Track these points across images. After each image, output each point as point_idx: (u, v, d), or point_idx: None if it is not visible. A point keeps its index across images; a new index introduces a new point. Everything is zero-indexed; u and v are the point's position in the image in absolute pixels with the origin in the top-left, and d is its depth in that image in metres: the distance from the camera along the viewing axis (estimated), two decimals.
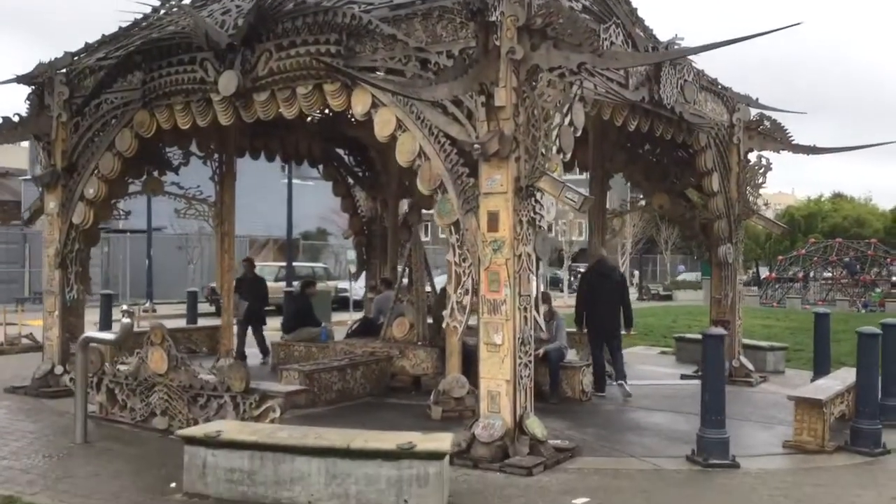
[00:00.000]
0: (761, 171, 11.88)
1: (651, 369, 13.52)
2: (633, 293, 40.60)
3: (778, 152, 12.02)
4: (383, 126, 8.08)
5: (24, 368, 11.62)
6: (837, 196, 59.16)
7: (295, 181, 34.72)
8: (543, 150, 7.34)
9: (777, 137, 11.86)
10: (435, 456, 6.03)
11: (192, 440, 6.59)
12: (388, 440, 6.16)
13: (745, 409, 9.91)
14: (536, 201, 7.55)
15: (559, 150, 7.80)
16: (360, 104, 8.24)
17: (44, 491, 6.58)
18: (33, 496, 6.39)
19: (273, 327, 14.72)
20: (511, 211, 7.33)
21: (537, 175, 7.28)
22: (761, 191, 12.32)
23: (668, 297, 38.58)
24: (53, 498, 6.38)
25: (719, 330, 7.71)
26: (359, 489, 6.04)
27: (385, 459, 6.01)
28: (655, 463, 7.41)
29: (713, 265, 12.06)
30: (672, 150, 11.91)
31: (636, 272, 45.10)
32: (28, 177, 35.98)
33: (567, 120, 7.88)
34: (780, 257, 36.39)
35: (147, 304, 24.48)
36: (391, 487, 5.99)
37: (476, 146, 7.32)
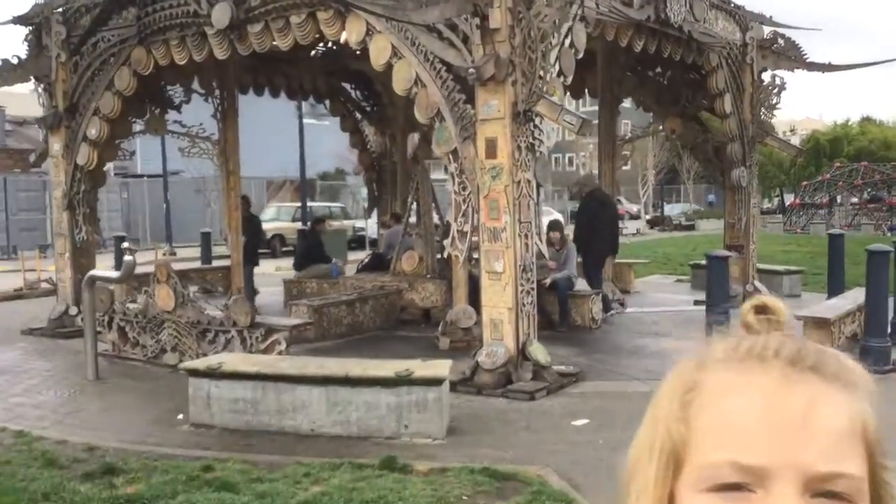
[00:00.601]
0: (775, 91, 11.54)
1: (665, 297, 13.44)
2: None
3: (792, 71, 11.66)
4: (378, 54, 7.91)
5: (43, 311, 11.78)
6: (866, 120, 57.78)
7: (311, 121, 34.52)
8: (541, 73, 7.17)
9: (791, 56, 11.49)
10: (433, 382, 6.05)
11: (195, 372, 6.66)
12: (387, 368, 6.18)
13: None
14: (535, 126, 7.40)
15: (560, 73, 7.63)
16: (354, 32, 8.06)
17: (53, 426, 6.72)
18: (43, 430, 6.52)
19: (287, 266, 14.78)
20: (509, 137, 7.19)
21: (535, 99, 7.12)
22: (786, 115, 12.03)
23: (691, 227, 38.18)
24: (62, 432, 6.50)
25: (723, 252, 7.58)
26: (359, 416, 6.10)
27: (384, 386, 6.04)
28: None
29: (726, 189, 11.84)
30: (683, 71, 11.60)
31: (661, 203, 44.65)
32: None
33: (567, 41, 7.69)
34: (805, 183, 35.74)
35: (167, 248, 24.66)
36: (391, 413, 6.04)
37: (471, 70, 7.15)
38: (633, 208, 41.71)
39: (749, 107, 11.42)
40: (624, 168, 52.67)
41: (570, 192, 46.64)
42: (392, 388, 6.01)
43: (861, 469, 0.65)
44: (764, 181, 44.54)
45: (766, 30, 11.71)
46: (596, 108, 12.95)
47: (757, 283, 11.93)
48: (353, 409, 6.10)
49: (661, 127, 12.75)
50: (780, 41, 11.61)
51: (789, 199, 40.85)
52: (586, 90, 13.16)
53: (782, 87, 11.53)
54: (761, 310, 0.73)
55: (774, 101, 11.61)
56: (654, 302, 12.74)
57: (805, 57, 11.47)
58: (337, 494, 4.78)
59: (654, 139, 35.47)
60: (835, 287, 11.06)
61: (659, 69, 11.97)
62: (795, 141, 39.25)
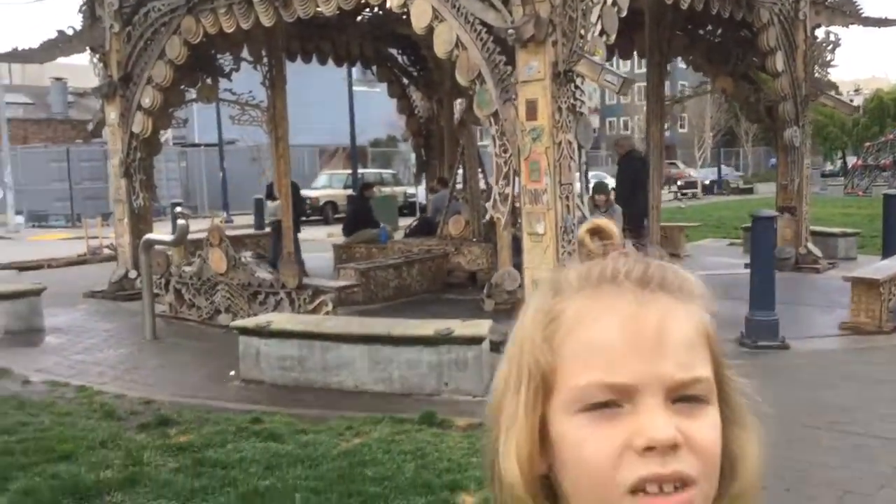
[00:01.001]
0: (829, 47, 11.22)
1: (716, 260, 13.29)
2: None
3: (847, 27, 11.32)
4: (419, 17, 7.94)
5: (104, 276, 12.22)
6: None
7: (362, 88, 34.66)
8: (582, 32, 7.12)
9: (846, 11, 11.15)
10: (473, 341, 6.16)
11: (245, 331, 6.92)
12: (428, 327, 6.31)
13: (808, 294, 9.71)
14: (577, 87, 7.37)
15: (602, 33, 7.56)
16: None
17: (112, 381, 7.05)
18: (103, 385, 6.85)
19: (338, 233, 14.98)
20: (549, 98, 7.18)
21: (575, 59, 7.09)
22: (852, 75, 11.74)
23: (749, 191, 37.42)
24: (121, 387, 6.82)
25: (768, 211, 7.49)
26: (401, 373, 6.26)
27: (425, 345, 6.19)
28: None
29: (779, 149, 11.60)
30: (734, 29, 11.34)
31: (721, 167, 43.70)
32: None
33: (610, 0, 7.62)
34: (867, 144, 34.65)
35: (223, 215, 25.19)
36: (432, 371, 6.18)
37: (511, 31, 7.14)
38: (690, 172, 40.90)
39: (802, 64, 11.14)
40: (680, 130, 51.82)
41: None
42: (433, 346, 6.15)
43: (710, 371, 0.71)
44: (825, 143, 43.33)
45: None
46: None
47: (810, 245, 11.73)
48: (395, 367, 6.26)
49: (710, 87, 12.49)
50: None
51: (853, 161, 39.68)
52: (635, 51, 12.96)
53: (836, 44, 11.20)
54: (596, 233, 0.78)
55: (829, 59, 11.29)
56: (704, 265, 12.59)
57: (860, 12, 11.12)
58: (377, 446, 4.95)
59: (711, 100, 34.75)
60: (890, 249, 10.79)
61: (709, 27, 11.73)
62: (860, 101, 37.93)
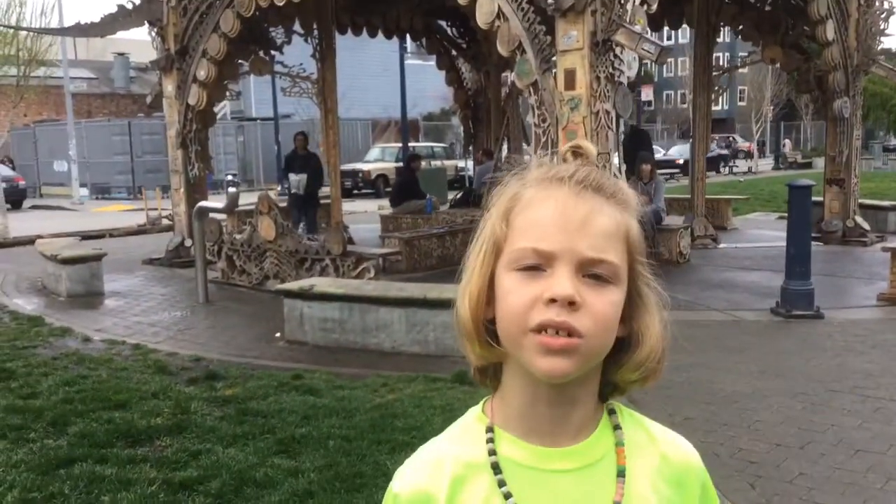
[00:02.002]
0: (883, 16, 10.99)
1: (763, 233, 13.19)
2: (769, 162, 38.88)
3: None
4: None
5: (162, 244, 12.73)
6: None
7: (415, 61, 34.80)
8: (621, 1, 7.17)
9: None
10: None
11: (290, 294, 7.22)
12: None
13: (851, 267, 9.65)
14: (616, 56, 7.42)
15: (643, 2, 7.61)
16: None
17: (166, 340, 7.44)
18: (157, 344, 7.24)
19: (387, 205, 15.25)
20: (588, 67, 7.27)
21: (614, 28, 7.15)
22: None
23: (808, 165, 36.61)
24: (173, 346, 7.20)
25: (806, 181, 7.48)
26: (436, 336, 6.48)
27: None
28: (737, 315, 7.46)
29: (828, 120, 11.45)
30: None
31: (785, 141, 42.73)
32: None
33: None
34: None
35: (277, 188, 25.69)
36: None
37: (550, 1, 7.23)
38: (746, 145, 40.12)
39: (854, 34, 10.95)
40: (739, 103, 50.55)
41: (680, 129, 45.44)
42: None
43: (620, 259, 0.90)
44: (890, 116, 42.00)
45: None
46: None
47: (858, 219, 11.58)
48: (431, 329, 6.49)
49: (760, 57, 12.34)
50: None
51: None
52: (684, 21, 12.86)
53: (891, 12, 10.97)
54: (577, 149, 0.97)
55: (882, 27, 11.06)
56: (751, 238, 12.56)
57: None
58: (408, 401, 5.20)
59: (770, 71, 33.94)
60: None
61: None
62: None
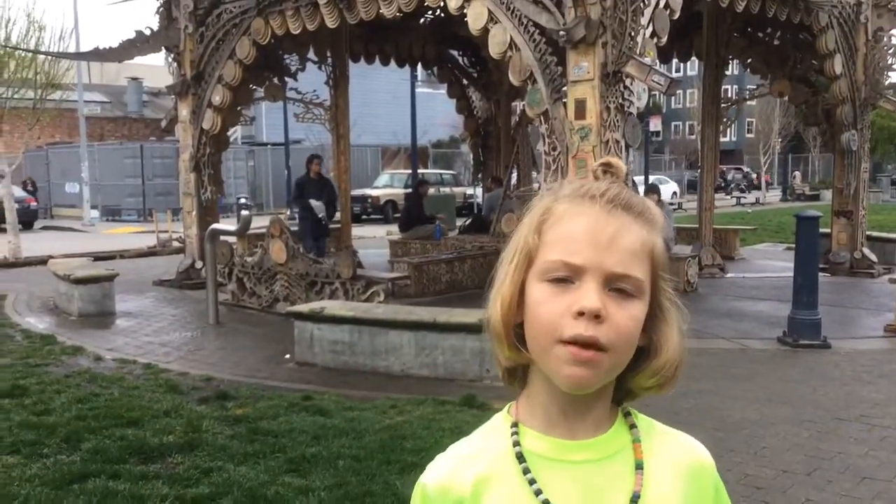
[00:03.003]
0: (891, 51, 11.12)
1: (770, 263, 13.24)
2: (776, 194, 38.99)
3: None
4: (476, 19, 8.22)
5: (173, 266, 12.85)
6: None
7: (426, 89, 35.11)
8: (632, 34, 7.31)
9: None
10: None
11: (300, 316, 7.28)
12: (472, 315, 6.57)
13: (858, 298, 9.68)
14: (625, 87, 7.55)
15: (653, 35, 7.74)
16: None
17: (177, 360, 7.50)
18: (168, 364, 7.30)
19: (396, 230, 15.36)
20: (598, 98, 7.38)
21: (624, 60, 7.28)
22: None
23: (816, 197, 36.66)
24: (184, 366, 7.27)
25: (813, 212, 7.54)
26: (445, 359, 6.54)
27: (468, 332, 6.44)
28: (744, 344, 7.50)
29: (836, 153, 11.54)
30: (794, 32, 11.34)
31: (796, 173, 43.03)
32: None
33: (662, 2, 7.79)
34: None
35: (287, 213, 25.85)
36: (475, 358, 6.45)
37: (562, 33, 7.37)
38: (766, 176, 40.38)
39: (862, 68, 11.07)
40: (747, 135, 50.73)
41: (688, 160, 45.63)
42: (476, 333, 6.39)
43: (644, 275, 0.96)
44: None
45: None
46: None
47: (865, 250, 11.62)
48: (440, 353, 6.55)
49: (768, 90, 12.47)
50: None
51: None
52: (693, 53, 13.03)
53: None
54: (608, 166, 1.03)
55: (890, 62, 11.19)
56: (758, 268, 12.61)
57: None
58: (417, 423, 5.25)
59: (778, 104, 34.14)
60: None
61: (768, 30, 11.73)
62: None
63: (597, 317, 0.90)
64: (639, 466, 0.98)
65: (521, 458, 0.98)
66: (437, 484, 1.00)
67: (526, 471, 0.96)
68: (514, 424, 1.00)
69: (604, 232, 0.93)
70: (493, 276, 1.02)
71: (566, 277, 0.93)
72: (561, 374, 0.92)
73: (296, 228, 11.80)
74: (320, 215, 12.01)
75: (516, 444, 0.99)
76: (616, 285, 0.93)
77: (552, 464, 0.98)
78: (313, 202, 11.90)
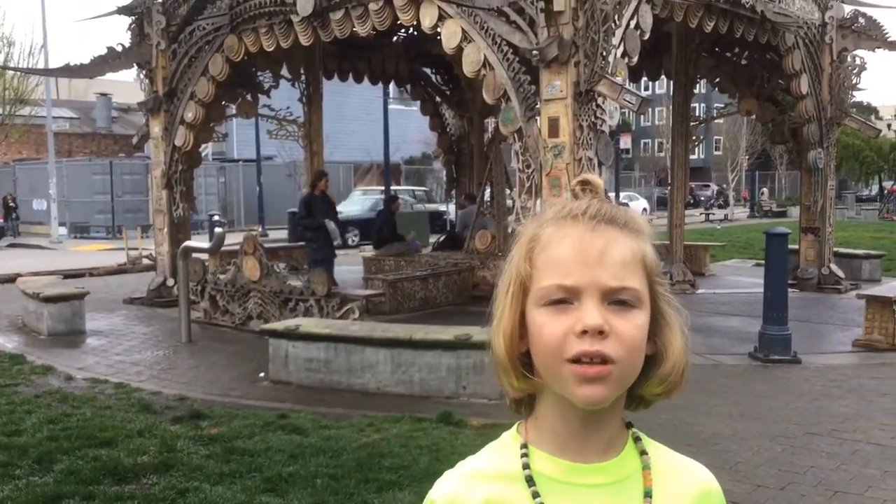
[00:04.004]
0: (855, 71, 11.39)
1: (740, 279, 13.42)
2: (744, 210, 39.65)
3: (873, 51, 11.48)
4: (450, 38, 8.30)
5: (143, 284, 12.70)
6: None
7: (398, 106, 35.19)
8: (603, 54, 7.41)
9: (873, 35, 11.31)
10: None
11: (274, 333, 7.25)
12: (448, 332, 6.59)
13: (826, 313, 9.84)
14: (598, 106, 7.64)
15: (624, 54, 7.86)
16: (427, 17, 8.46)
17: (149, 380, 7.42)
18: (140, 383, 7.22)
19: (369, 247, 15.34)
20: (571, 116, 7.47)
21: (596, 79, 7.38)
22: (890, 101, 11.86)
23: (783, 214, 37.26)
24: (157, 385, 7.19)
25: (782, 229, 7.68)
26: (422, 376, 6.54)
27: (444, 349, 6.46)
28: (716, 359, 7.58)
29: (803, 170, 11.76)
30: (761, 52, 11.56)
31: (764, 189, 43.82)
32: None
33: (633, 22, 7.92)
34: None
35: (258, 229, 25.72)
36: (451, 375, 6.46)
37: (535, 52, 7.46)
38: (744, 192, 41.13)
39: (827, 87, 11.32)
40: (715, 153, 51.43)
41: (657, 177, 46.20)
42: (452, 351, 6.42)
43: (640, 284, 0.97)
44: (862, 167, 42.93)
45: (847, 8, 11.55)
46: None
47: (833, 266, 11.83)
48: (416, 370, 6.55)
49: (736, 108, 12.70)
50: (861, 20, 11.43)
51: (889, 186, 39.25)
52: (662, 73, 13.23)
53: (862, 68, 11.37)
54: (585, 184, 1.05)
55: (854, 82, 11.45)
56: (728, 284, 12.78)
57: (887, 36, 11.27)
58: (395, 441, 5.24)
59: (746, 122, 34.70)
60: None
61: (735, 50, 11.96)
62: None
63: (600, 332, 0.91)
64: (647, 494, 0.99)
65: (530, 481, 0.98)
66: (446, 500, 1.00)
67: (535, 495, 0.97)
68: (524, 446, 1.01)
69: (592, 249, 0.94)
70: (490, 310, 1.03)
71: (564, 299, 0.94)
72: (574, 394, 0.93)
73: (271, 245, 11.68)
74: (336, 240, 11.29)
75: (526, 466, 0.99)
76: (615, 298, 0.94)
77: (562, 487, 0.98)
78: (328, 223, 11.10)
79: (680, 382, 1.01)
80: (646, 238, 1.00)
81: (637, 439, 1.03)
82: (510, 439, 1.04)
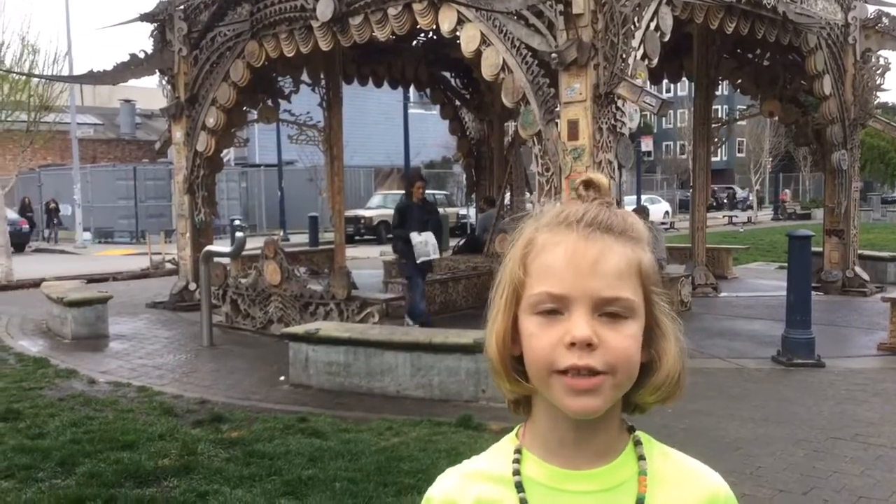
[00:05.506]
0: (879, 71, 11.25)
1: (764, 282, 13.29)
2: (768, 213, 39.30)
3: None
4: (469, 42, 8.30)
5: (166, 288, 12.82)
6: None
7: (418, 110, 35.29)
8: (623, 56, 7.38)
9: None
10: None
11: (294, 337, 7.28)
12: (467, 336, 6.58)
13: (851, 317, 9.73)
14: (618, 108, 7.60)
15: (644, 56, 7.82)
16: (446, 21, 8.47)
17: (171, 383, 7.48)
18: (162, 387, 7.28)
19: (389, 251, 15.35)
20: (590, 119, 7.44)
21: (616, 81, 7.35)
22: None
23: (807, 216, 36.90)
24: (178, 389, 7.24)
25: (805, 231, 7.60)
26: (441, 380, 6.54)
27: (464, 353, 6.45)
28: (739, 363, 7.52)
29: (826, 172, 11.63)
30: (783, 53, 11.46)
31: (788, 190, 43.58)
32: None
33: (653, 24, 7.89)
34: None
35: (280, 234, 25.85)
36: (470, 378, 6.45)
37: (554, 55, 7.44)
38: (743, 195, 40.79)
39: (850, 88, 11.19)
40: (738, 155, 51.05)
41: (679, 179, 45.93)
42: (471, 354, 6.41)
43: (634, 294, 0.95)
44: (887, 169, 42.41)
45: (871, 8, 11.42)
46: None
47: (857, 269, 11.69)
48: (436, 374, 6.55)
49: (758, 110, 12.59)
50: (885, 20, 11.30)
51: None
52: (684, 74, 13.15)
53: (886, 68, 11.24)
54: (589, 184, 1.02)
55: (878, 82, 11.32)
56: (751, 287, 12.66)
57: None
58: (414, 444, 5.24)
59: (769, 124, 34.42)
60: None
61: (757, 51, 11.87)
62: None
63: (589, 345, 0.90)
64: (640, 501, 0.96)
65: (519, 487, 0.97)
66: (443, 497, 1.01)
67: (523, 501, 0.96)
68: (518, 451, 1.00)
69: (584, 258, 0.92)
70: (488, 309, 1.01)
71: (555, 309, 0.92)
72: (565, 405, 0.92)
73: (291, 249, 11.69)
74: (424, 257, 9.35)
75: (517, 472, 0.98)
76: (606, 309, 0.92)
77: (551, 492, 0.97)
78: (414, 236, 9.36)
79: (676, 391, 0.99)
80: (644, 245, 0.97)
81: (637, 443, 1.01)
82: (508, 441, 1.04)
